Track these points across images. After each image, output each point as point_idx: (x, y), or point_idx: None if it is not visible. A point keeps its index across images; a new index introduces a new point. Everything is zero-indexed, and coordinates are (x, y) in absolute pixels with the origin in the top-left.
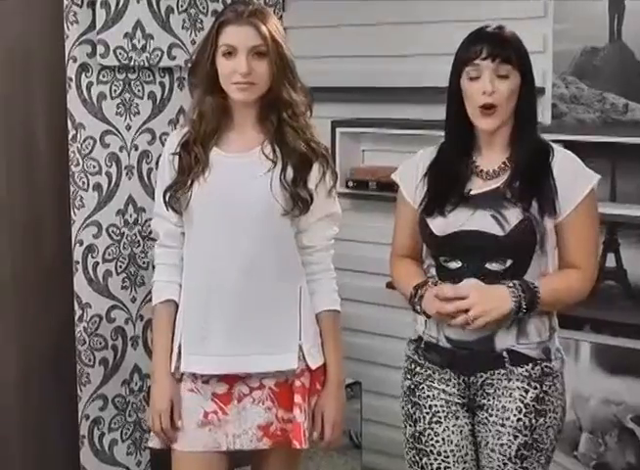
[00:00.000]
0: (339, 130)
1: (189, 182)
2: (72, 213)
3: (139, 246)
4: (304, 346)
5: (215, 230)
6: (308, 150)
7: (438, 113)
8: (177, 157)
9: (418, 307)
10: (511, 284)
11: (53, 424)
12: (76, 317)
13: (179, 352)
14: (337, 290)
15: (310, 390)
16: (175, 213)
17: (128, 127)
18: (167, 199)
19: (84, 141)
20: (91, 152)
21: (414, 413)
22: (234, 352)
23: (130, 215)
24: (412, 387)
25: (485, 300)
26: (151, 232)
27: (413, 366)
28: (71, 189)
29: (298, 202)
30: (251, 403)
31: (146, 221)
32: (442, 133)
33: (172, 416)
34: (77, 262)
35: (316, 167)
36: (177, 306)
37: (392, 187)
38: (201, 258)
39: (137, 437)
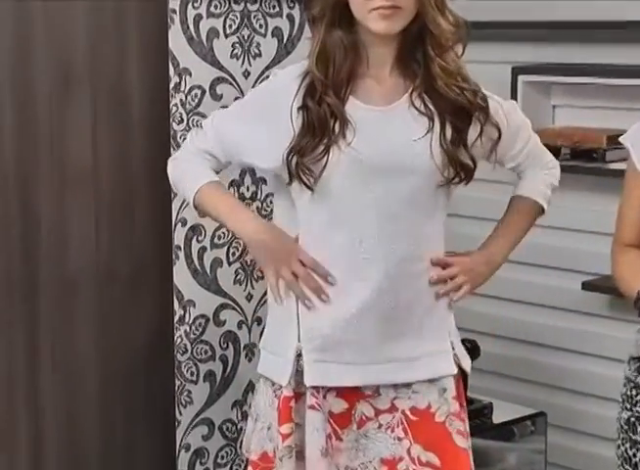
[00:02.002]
0: (521, 79)
1: (322, 147)
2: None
3: None
4: (455, 343)
5: (362, 211)
6: (464, 99)
7: None
8: (302, 111)
9: None
10: None
11: (142, 456)
12: (176, 319)
13: (297, 361)
14: (551, 187)
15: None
16: (307, 189)
17: (246, 74)
18: (294, 166)
19: (190, 91)
20: (198, 105)
21: (634, 456)
22: (378, 358)
23: (247, 187)
24: (632, 420)
25: None
26: (272, 210)
27: (634, 393)
28: (172, 152)
29: (460, 170)
30: (376, 430)
31: (267, 196)
32: None
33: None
34: (178, 248)
35: (474, 122)
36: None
37: (592, 155)
38: (339, 243)
39: None
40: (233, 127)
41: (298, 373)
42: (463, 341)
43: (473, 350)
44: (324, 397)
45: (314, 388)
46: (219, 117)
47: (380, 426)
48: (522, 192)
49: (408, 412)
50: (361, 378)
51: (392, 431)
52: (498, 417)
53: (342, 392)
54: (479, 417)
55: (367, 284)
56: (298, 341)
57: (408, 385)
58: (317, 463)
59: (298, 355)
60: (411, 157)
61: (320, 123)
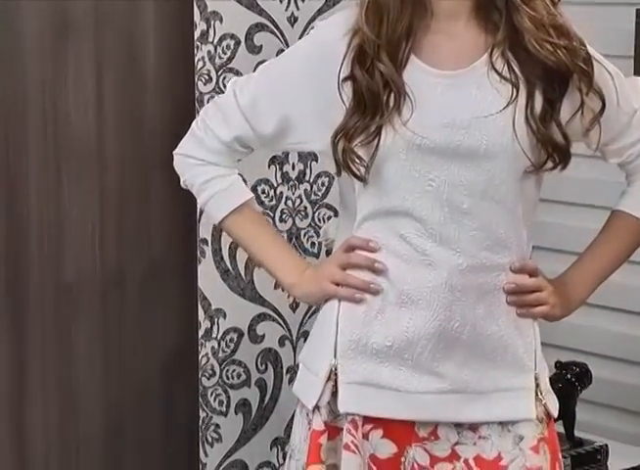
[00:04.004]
0: None
1: (373, 127)
2: None
3: (306, 216)
4: (541, 377)
5: (421, 206)
6: (560, 60)
7: None
8: (349, 83)
9: None
10: None
11: None
12: (201, 333)
13: (335, 379)
14: None
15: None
16: (356, 179)
17: (292, 20)
18: (341, 153)
19: (220, 42)
20: (231, 59)
21: None
22: (435, 387)
23: (292, 165)
24: None
25: None
26: (325, 193)
27: None
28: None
29: (553, 152)
30: None
31: (318, 176)
32: None
33: None
34: (204, 242)
35: (572, 91)
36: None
37: None
38: (393, 245)
39: None
40: (269, 99)
41: (333, 399)
42: (570, 365)
43: (582, 376)
44: (365, 435)
45: (352, 423)
46: (246, 86)
47: None
48: (626, 207)
49: (472, 463)
50: (412, 410)
51: None
52: (615, 464)
53: (390, 431)
54: (590, 464)
55: (426, 295)
56: (334, 357)
57: (474, 428)
58: None
59: (334, 375)
60: (487, 136)
61: (371, 98)
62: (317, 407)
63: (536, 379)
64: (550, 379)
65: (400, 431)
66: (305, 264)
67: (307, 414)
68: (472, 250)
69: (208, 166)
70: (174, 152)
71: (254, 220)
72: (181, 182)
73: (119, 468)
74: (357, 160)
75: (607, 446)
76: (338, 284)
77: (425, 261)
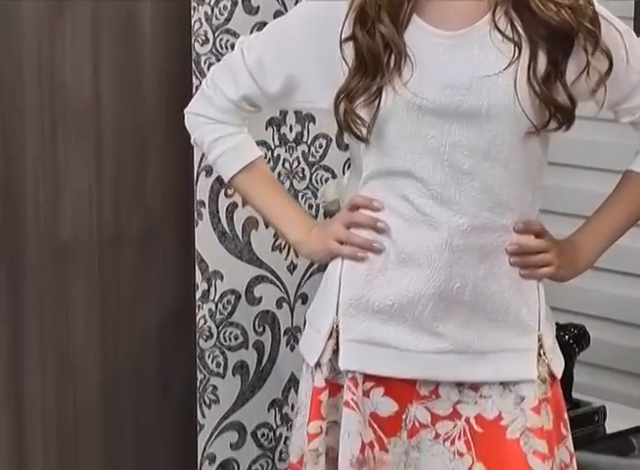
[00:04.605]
0: None
1: (374, 88)
2: None
3: (303, 178)
4: (545, 338)
5: (422, 167)
6: (565, 20)
7: None
8: (351, 43)
9: None
10: None
11: (153, 469)
12: (198, 295)
13: (336, 337)
14: None
15: (555, 429)
16: (358, 140)
17: None
18: (342, 114)
19: (217, 2)
20: (229, 20)
21: None
22: (437, 347)
23: (290, 127)
24: None
25: None
26: (323, 155)
27: None
28: (194, 82)
29: (556, 113)
30: (432, 441)
31: (315, 138)
32: None
33: None
34: (202, 204)
35: (577, 51)
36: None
37: None
38: (395, 206)
39: None
40: (275, 59)
41: (335, 357)
42: (567, 327)
43: (580, 338)
44: (366, 393)
45: (352, 380)
46: (253, 45)
47: (437, 436)
48: (638, 167)
49: (473, 422)
50: (413, 369)
51: (452, 443)
52: (612, 425)
53: (392, 389)
54: (587, 425)
55: (426, 255)
56: (336, 314)
57: (475, 387)
58: None
59: (335, 333)
60: (488, 97)
61: (372, 59)
62: (319, 364)
63: (540, 340)
64: None
65: (401, 389)
66: (312, 223)
67: (311, 372)
68: (473, 210)
69: (217, 125)
70: (185, 110)
71: (263, 179)
72: (191, 140)
73: (117, 431)
74: (358, 120)
75: (604, 407)
76: (342, 242)
77: (426, 222)
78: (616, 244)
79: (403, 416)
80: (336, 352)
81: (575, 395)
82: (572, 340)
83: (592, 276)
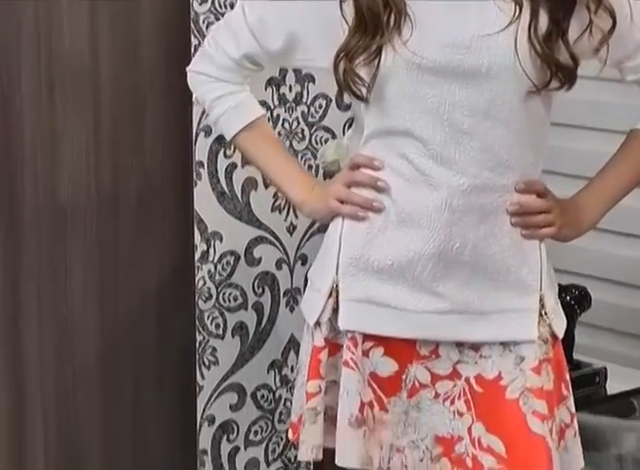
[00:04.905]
0: None
1: (374, 47)
2: None
3: (303, 138)
4: (547, 298)
5: (422, 127)
6: None
7: None
8: (351, 1)
9: None
10: None
11: (154, 431)
12: (197, 256)
13: (336, 296)
14: None
15: (556, 389)
16: (357, 100)
17: None
18: (342, 73)
19: None
20: None
21: None
22: (437, 307)
23: (289, 87)
24: None
25: None
26: (322, 115)
27: None
28: (193, 43)
29: (558, 72)
30: (432, 400)
31: (315, 98)
32: None
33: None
34: (200, 165)
35: (579, 9)
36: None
37: None
38: (395, 165)
39: (293, 457)
40: (276, 17)
41: (334, 316)
42: (569, 287)
43: (581, 299)
44: (365, 353)
45: (351, 340)
46: (254, 3)
47: (436, 396)
48: None
49: (473, 381)
50: (412, 329)
51: (452, 403)
52: (614, 386)
53: (391, 349)
54: (588, 386)
55: (426, 215)
56: (336, 273)
57: (476, 347)
58: (344, 435)
59: (335, 292)
60: (488, 56)
61: (372, 18)
62: (318, 323)
63: (541, 300)
64: None
65: (401, 349)
66: (314, 182)
67: (311, 331)
68: (473, 170)
69: (219, 83)
70: (187, 68)
71: (265, 138)
72: (193, 98)
73: (116, 395)
74: (358, 80)
75: (605, 368)
76: (342, 202)
77: (426, 181)
78: (618, 204)
79: (403, 376)
80: (335, 311)
81: (576, 356)
82: (574, 301)
83: (595, 237)
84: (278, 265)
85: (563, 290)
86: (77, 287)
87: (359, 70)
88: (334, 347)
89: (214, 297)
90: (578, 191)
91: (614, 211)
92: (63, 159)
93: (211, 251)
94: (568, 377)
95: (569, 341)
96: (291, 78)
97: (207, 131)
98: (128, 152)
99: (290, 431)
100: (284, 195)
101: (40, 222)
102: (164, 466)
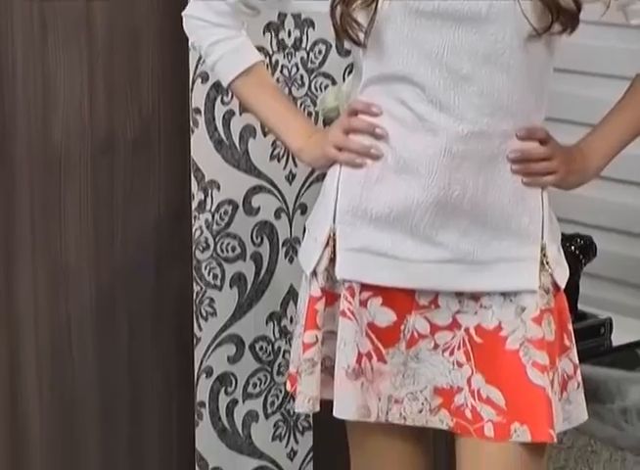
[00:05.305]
0: None
1: None
2: None
3: (302, 85)
4: (549, 248)
5: (420, 73)
6: None
7: None
8: None
9: None
10: None
11: (150, 382)
12: (194, 205)
13: (333, 245)
14: None
15: (557, 340)
16: (355, 45)
17: None
18: (339, 17)
19: None
20: None
21: None
22: (436, 256)
23: (288, 32)
24: None
25: None
26: (322, 61)
27: None
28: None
29: (559, 16)
30: (431, 351)
31: (314, 44)
32: None
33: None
34: (197, 112)
35: None
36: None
37: None
38: (395, 114)
39: (291, 410)
40: None
41: (332, 265)
42: (574, 237)
43: (586, 248)
44: (363, 303)
45: (349, 289)
46: None
47: (436, 346)
48: None
49: (473, 332)
50: (411, 279)
51: (452, 354)
52: (619, 338)
53: (390, 299)
54: (593, 338)
55: (425, 162)
56: (333, 222)
57: (476, 297)
58: (341, 385)
59: (332, 241)
60: None
61: None
62: (315, 273)
63: (543, 249)
64: None
65: (400, 299)
66: (313, 129)
67: (309, 281)
68: (473, 116)
69: (216, 29)
70: (183, 13)
71: (263, 83)
72: (189, 43)
73: (112, 345)
74: (355, 24)
75: (610, 319)
76: (340, 149)
77: (425, 127)
78: (624, 152)
79: (402, 327)
80: (333, 260)
81: (581, 307)
82: (579, 251)
83: (599, 186)
84: (277, 215)
85: (567, 240)
86: (72, 234)
87: (356, 15)
88: (331, 296)
89: (212, 247)
90: (583, 137)
91: (619, 159)
92: (57, 104)
93: (209, 200)
94: (570, 328)
95: (573, 291)
96: (290, 23)
97: (204, 77)
98: (123, 98)
99: (288, 382)
100: (282, 142)
101: (34, 168)
102: (161, 418)
